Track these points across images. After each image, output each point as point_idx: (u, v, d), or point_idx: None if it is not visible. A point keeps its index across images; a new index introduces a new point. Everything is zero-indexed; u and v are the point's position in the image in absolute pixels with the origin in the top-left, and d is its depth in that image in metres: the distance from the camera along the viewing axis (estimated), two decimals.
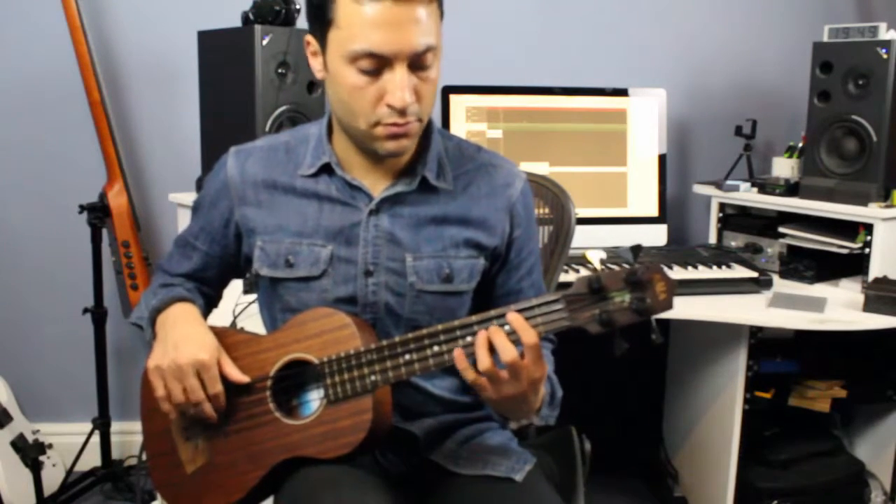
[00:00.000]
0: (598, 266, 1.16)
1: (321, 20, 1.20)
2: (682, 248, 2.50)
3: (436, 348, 1.18)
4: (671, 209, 2.68)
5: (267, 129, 2.11)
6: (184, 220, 2.29)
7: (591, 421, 1.72)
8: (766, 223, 2.48)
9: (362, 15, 1.14)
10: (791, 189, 2.41)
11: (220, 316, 1.67)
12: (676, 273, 2.20)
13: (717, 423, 2.28)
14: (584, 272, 2.13)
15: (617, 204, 2.49)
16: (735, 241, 2.53)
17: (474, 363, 1.14)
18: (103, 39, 2.55)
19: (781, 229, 2.41)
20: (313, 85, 2.21)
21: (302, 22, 1.62)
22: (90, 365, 2.53)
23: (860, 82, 2.24)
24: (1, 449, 2.39)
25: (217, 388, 1.26)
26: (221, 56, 2.22)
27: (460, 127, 2.40)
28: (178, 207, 2.41)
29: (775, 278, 2.29)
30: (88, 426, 2.54)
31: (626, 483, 2.67)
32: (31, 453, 2.25)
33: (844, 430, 2.51)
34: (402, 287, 1.30)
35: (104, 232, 2.46)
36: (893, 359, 2.30)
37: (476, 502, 1.27)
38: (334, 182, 1.31)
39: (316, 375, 1.25)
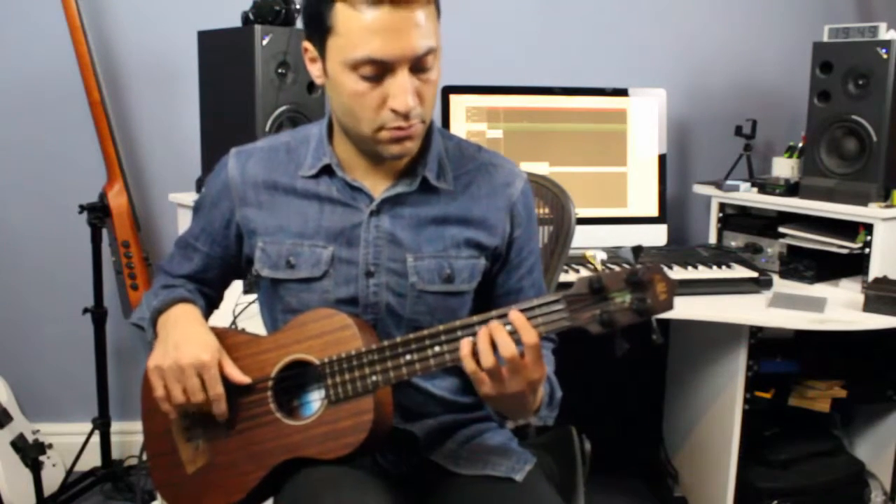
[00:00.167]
0: (598, 266, 1.16)
1: (319, 27, 1.19)
2: (682, 248, 2.50)
3: (437, 349, 1.18)
4: (671, 209, 2.68)
5: (267, 129, 2.11)
6: (184, 221, 2.29)
7: (591, 421, 1.72)
8: (766, 223, 2.48)
9: (361, 22, 1.14)
10: (791, 189, 2.41)
11: (221, 316, 1.67)
12: (676, 273, 2.20)
13: (717, 423, 2.28)
14: (584, 272, 2.13)
15: (617, 204, 2.49)
16: (735, 241, 2.53)
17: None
18: (103, 39, 2.55)
19: (781, 229, 2.41)
20: (313, 85, 2.20)
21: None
22: (90, 365, 2.53)
23: (860, 82, 2.24)
24: (1, 449, 2.39)
25: (218, 388, 1.26)
26: (221, 56, 2.22)
27: (460, 127, 2.40)
28: (178, 207, 2.41)
29: (775, 278, 2.29)
30: (88, 426, 2.54)
31: (626, 483, 2.68)
32: (31, 453, 2.25)
33: (844, 430, 2.51)
34: (403, 287, 1.30)
35: (104, 232, 2.46)
36: (893, 359, 2.30)
37: (476, 502, 1.27)
38: (335, 183, 1.31)
39: (317, 376, 1.25)
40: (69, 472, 2.54)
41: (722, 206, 2.56)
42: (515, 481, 1.29)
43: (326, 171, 1.31)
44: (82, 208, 2.42)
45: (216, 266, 1.42)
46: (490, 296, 1.38)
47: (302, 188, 1.32)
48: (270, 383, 1.28)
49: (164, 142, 2.64)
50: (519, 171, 1.39)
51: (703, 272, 2.22)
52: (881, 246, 2.20)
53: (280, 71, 2.14)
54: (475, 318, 1.16)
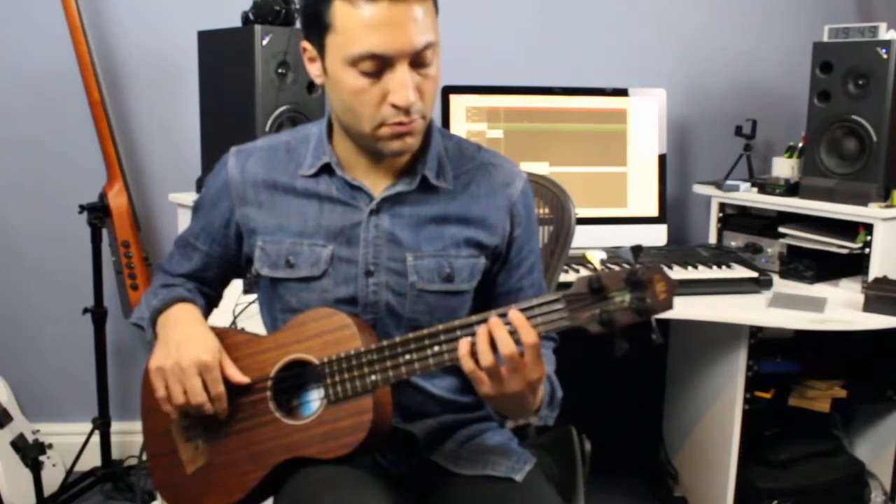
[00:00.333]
0: (598, 266, 1.16)
1: (318, 26, 1.19)
2: (682, 248, 2.50)
3: (436, 348, 1.18)
4: (671, 209, 2.68)
5: (267, 129, 2.11)
6: (184, 220, 2.29)
7: (591, 421, 1.72)
8: (766, 223, 2.48)
9: (360, 17, 1.14)
10: (791, 189, 2.41)
11: (221, 316, 1.67)
12: (676, 273, 2.20)
13: (717, 423, 2.28)
14: (584, 272, 2.13)
15: (617, 204, 2.49)
16: (735, 241, 2.53)
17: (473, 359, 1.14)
18: (103, 39, 2.55)
19: (781, 229, 2.41)
20: (313, 85, 2.20)
21: None
22: (90, 365, 2.53)
23: (860, 82, 2.24)
24: (1, 449, 2.39)
25: (219, 388, 1.26)
26: (221, 56, 2.22)
27: (460, 127, 2.40)
28: (178, 207, 2.41)
29: (775, 278, 2.29)
30: (88, 426, 2.54)
31: (626, 483, 2.68)
32: (31, 453, 2.25)
33: (844, 430, 2.51)
34: (403, 287, 1.30)
35: (104, 232, 2.46)
36: (893, 359, 2.30)
37: (476, 502, 1.27)
38: (335, 182, 1.31)
39: (316, 376, 1.25)
40: (69, 472, 2.54)
41: (722, 206, 2.56)
42: (515, 481, 1.29)
43: (326, 170, 1.31)
44: (82, 208, 2.42)
45: (216, 265, 1.42)
46: (490, 295, 1.38)
47: (301, 187, 1.32)
48: (270, 383, 1.28)
49: (164, 142, 2.64)
50: (519, 171, 1.39)
51: (703, 272, 2.22)
52: (881, 246, 2.20)
53: (280, 71, 2.14)
54: (474, 318, 1.16)
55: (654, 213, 2.51)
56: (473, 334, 1.14)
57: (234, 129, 2.15)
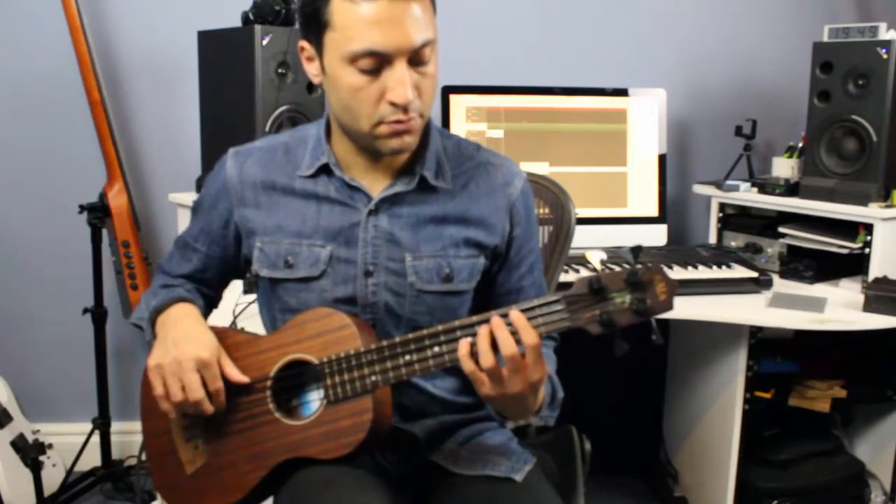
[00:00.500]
0: (598, 266, 1.16)
1: (316, 24, 1.19)
2: (682, 248, 2.50)
3: (436, 349, 1.18)
4: (671, 209, 2.68)
5: (267, 129, 2.11)
6: (184, 220, 2.29)
7: (591, 421, 1.72)
8: (766, 223, 2.48)
9: (359, 14, 1.14)
10: (791, 189, 2.41)
11: (221, 316, 1.67)
12: (676, 273, 2.20)
13: (717, 423, 2.28)
14: (584, 272, 2.13)
15: (617, 204, 2.49)
16: (735, 241, 2.53)
17: (474, 360, 1.14)
18: (103, 39, 2.55)
19: (781, 229, 2.41)
20: (313, 85, 2.20)
21: None
22: (90, 365, 2.53)
23: (860, 82, 2.24)
24: (1, 449, 2.39)
25: (218, 384, 1.26)
26: (221, 56, 2.22)
27: (460, 127, 2.40)
28: (178, 207, 2.41)
29: (775, 278, 2.29)
30: (88, 426, 2.54)
31: (626, 483, 2.68)
32: (31, 453, 2.25)
33: (844, 430, 2.51)
34: (402, 287, 1.30)
35: (104, 232, 2.46)
36: (893, 359, 2.30)
37: (476, 502, 1.27)
38: (333, 183, 1.31)
39: (316, 376, 1.25)
40: (69, 472, 2.54)
41: (722, 206, 2.56)
42: (515, 481, 1.29)
43: (324, 170, 1.31)
44: (82, 208, 2.42)
45: (215, 266, 1.42)
46: (490, 295, 1.38)
47: (300, 188, 1.32)
48: (269, 383, 1.28)
49: (164, 142, 2.63)
50: (518, 170, 1.38)
51: (703, 272, 2.22)
52: (881, 246, 2.20)
53: (280, 71, 2.14)
54: (475, 318, 1.16)
55: (654, 213, 2.51)
56: (474, 335, 1.14)
57: (234, 129, 2.15)
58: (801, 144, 2.50)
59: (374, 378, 1.20)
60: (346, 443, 1.21)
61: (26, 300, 2.68)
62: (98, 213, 2.42)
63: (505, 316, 1.13)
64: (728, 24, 2.77)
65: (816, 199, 2.33)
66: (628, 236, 2.42)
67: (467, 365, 1.13)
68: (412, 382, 1.33)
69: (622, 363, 1.47)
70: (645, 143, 2.51)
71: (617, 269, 1.13)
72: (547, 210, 1.73)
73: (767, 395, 2.25)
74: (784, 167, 2.53)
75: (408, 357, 1.19)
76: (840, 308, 2.10)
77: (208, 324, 1.35)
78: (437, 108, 2.36)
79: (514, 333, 1.11)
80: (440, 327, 1.17)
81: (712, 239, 2.57)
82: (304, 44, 1.25)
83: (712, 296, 2.16)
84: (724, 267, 2.26)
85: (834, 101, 2.29)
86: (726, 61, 2.78)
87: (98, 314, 2.50)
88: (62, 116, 2.57)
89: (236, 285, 1.74)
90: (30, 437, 2.50)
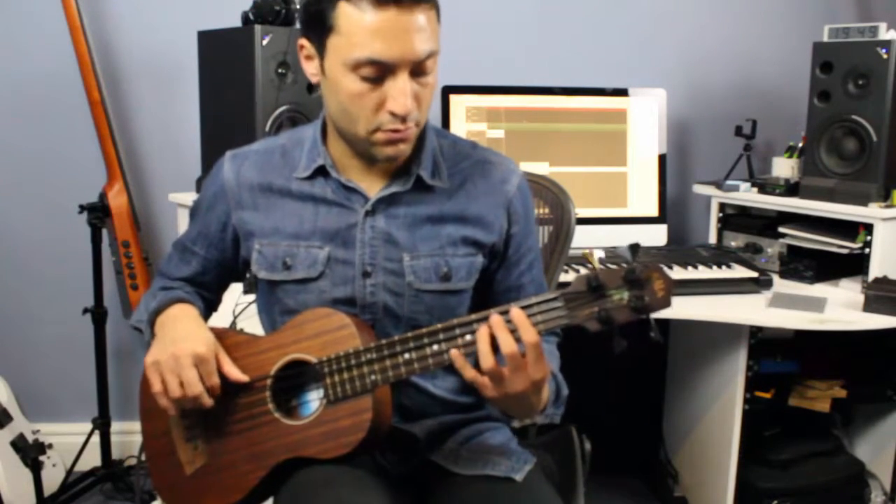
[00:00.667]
0: (596, 265, 1.16)
1: (320, 25, 1.19)
2: (681, 248, 2.50)
3: (435, 347, 1.17)
4: (671, 209, 2.68)
5: (267, 129, 2.11)
6: (184, 221, 2.29)
7: (591, 421, 1.72)
8: (766, 223, 2.48)
9: (365, 23, 1.14)
10: (791, 189, 2.41)
11: (221, 316, 1.67)
12: (676, 273, 2.20)
13: (717, 423, 2.28)
14: (584, 272, 2.13)
15: (617, 204, 2.49)
16: (735, 241, 2.53)
17: (473, 363, 1.14)
18: (103, 39, 2.55)
19: (781, 229, 2.41)
20: (313, 85, 2.20)
21: None
22: (90, 365, 2.53)
23: (860, 82, 2.23)
24: (1, 449, 2.39)
25: (215, 380, 1.26)
26: (221, 56, 2.22)
27: (460, 127, 2.40)
28: (178, 207, 2.41)
29: (775, 278, 2.29)
30: (88, 426, 2.54)
31: (626, 483, 2.67)
32: (31, 453, 2.25)
33: (844, 430, 2.51)
34: (401, 287, 1.30)
35: (104, 232, 2.46)
36: (893, 359, 2.30)
37: (476, 502, 1.27)
38: (330, 184, 1.31)
39: (315, 375, 1.25)
40: (69, 472, 2.54)
41: (722, 206, 2.56)
42: (515, 481, 1.28)
43: (321, 172, 1.31)
44: (82, 208, 2.43)
45: (213, 269, 1.42)
46: (489, 293, 1.38)
47: (297, 190, 1.32)
48: (269, 383, 1.27)
49: (164, 142, 2.64)
50: (515, 168, 1.38)
51: (702, 272, 2.22)
52: (881, 246, 2.20)
53: (280, 71, 2.14)
54: (474, 316, 1.16)
55: (654, 213, 2.51)
56: (473, 332, 1.14)
57: (234, 129, 2.15)
58: (801, 144, 2.50)
59: (373, 377, 1.20)
60: (346, 442, 1.21)
61: (26, 300, 2.69)
62: (98, 213, 2.42)
63: (504, 313, 1.12)
64: (728, 24, 2.77)
65: (816, 199, 2.33)
66: (628, 236, 2.42)
67: (467, 372, 1.13)
68: (412, 382, 1.33)
69: (622, 363, 1.47)
70: (645, 143, 2.51)
71: (615, 267, 1.13)
72: (547, 210, 1.73)
73: (767, 395, 2.25)
74: (784, 167, 2.53)
75: (407, 355, 1.19)
76: (840, 308, 2.10)
77: (207, 325, 1.35)
78: (436, 108, 2.36)
79: (514, 332, 1.11)
80: (439, 325, 1.17)
81: (712, 239, 2.57)
82: (304, 42, 1.25)
83: (712, 296, 2.16)
84: (724, 267, 2.26)
85: (834, 101, 2.29)
86: (726, 61, 2.78)
87: (98, 314, 2.50)
88: (62, 116, 2.57)
89: (236, 285, 1.74)
90: (30, 437, 2.50)
